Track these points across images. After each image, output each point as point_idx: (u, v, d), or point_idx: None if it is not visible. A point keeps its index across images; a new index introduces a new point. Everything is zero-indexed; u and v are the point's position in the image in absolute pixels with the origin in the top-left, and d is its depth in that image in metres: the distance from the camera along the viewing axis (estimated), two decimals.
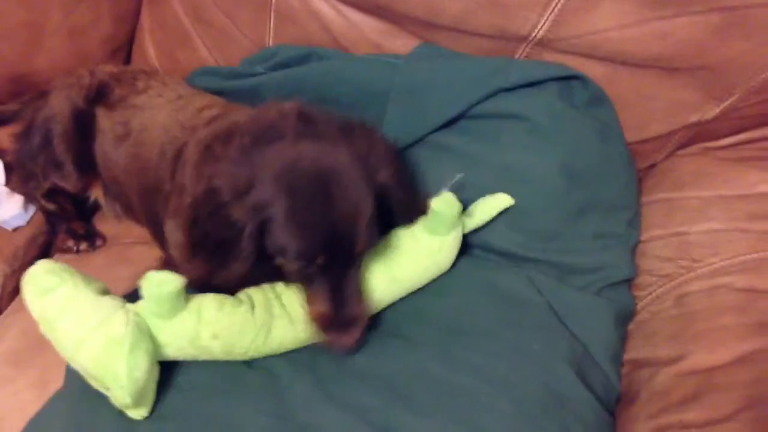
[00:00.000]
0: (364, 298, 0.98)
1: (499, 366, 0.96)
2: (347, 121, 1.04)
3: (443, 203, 1.06)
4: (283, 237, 0.90)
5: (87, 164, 1.38)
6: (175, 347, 0.92)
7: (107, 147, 1.36)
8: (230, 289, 0.99)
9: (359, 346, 0.97)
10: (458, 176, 1.11)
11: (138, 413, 0.89)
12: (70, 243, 1.38)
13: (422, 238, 1.08)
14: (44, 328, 0.87)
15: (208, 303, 0.94)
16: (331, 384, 0.94)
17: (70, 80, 1.39)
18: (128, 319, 0.86)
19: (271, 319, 0.97)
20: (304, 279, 0.96)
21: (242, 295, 1.00)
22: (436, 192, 1.09)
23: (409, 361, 0.97)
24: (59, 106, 1.35)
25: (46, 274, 0.89)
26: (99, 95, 1.38)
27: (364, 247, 0.94)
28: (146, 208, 1.31)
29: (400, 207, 1.03)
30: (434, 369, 0.95)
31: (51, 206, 1.42)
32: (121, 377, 0.82)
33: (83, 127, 1.36)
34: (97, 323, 0.85)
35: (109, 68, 1.46)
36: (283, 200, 0.89)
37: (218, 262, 0.95)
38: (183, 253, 1.02)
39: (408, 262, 1.06)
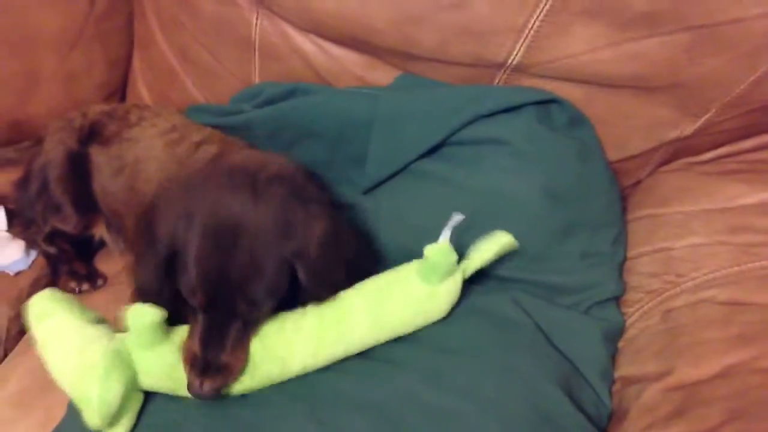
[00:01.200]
0: (243, 354, 0.97)
1: (486, 387, 0.97)
2: (302, 188, 1.02)
3: (437, 252, 1.01)
4: (181, 266, 0.95)
5: (86, 204, 1.41)
6: (154, 378, 0.96)
7: (106, 182, 1.38)
8: None
9: (216, 396, 0.94)
10: (458, 218, 1.03)
11: None
12: (72, 284, 1.40)
13: (414, 283, 1.04)
14: (40, 350, 0.94)
15: None
16: (322, 412, 0.95)
17: (62, 123, 1.42)
18: (106, 347, 0.92)
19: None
20: (191, 314, 0.97)
21: None
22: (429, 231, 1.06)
23: (398, 386, 0.98)
24: (53, 151, 1.38)
25: (44, 301, 0.98)
26: (92, 134, 1.40)
27: (248, 306, 0.94)
28: None
29: (307, 292, 1.00)
30: (423, 392, 0.96)
31: (52, 249, 1.44)
32: (92, 400, 0.87)
33: (79, 168, 1.39)
34: (77, 350, 0.91)
35: (101, 107, 1.48)
36: (191, 236, 0.93)
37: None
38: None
39: (395, 306, 1.03)
